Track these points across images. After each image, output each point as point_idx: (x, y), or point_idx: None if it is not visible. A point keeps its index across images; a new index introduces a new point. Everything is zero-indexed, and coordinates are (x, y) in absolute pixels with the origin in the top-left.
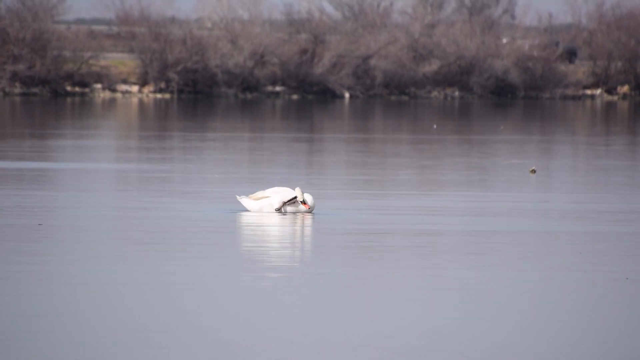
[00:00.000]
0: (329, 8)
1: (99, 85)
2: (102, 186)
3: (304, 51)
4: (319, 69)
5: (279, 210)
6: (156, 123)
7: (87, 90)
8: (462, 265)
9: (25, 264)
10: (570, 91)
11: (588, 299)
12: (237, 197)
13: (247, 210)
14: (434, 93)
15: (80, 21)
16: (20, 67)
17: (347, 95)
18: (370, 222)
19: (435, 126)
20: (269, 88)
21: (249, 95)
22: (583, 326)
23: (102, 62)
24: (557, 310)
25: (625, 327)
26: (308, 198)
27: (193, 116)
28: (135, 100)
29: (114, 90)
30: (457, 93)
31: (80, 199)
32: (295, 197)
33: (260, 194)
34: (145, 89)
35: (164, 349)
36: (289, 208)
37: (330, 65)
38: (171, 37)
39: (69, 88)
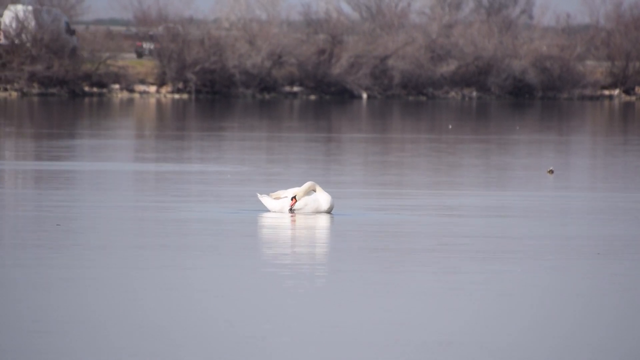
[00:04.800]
0: (346, 8)
1: (116, 86)
2: (121, 186)
3: (321, 51)
4: (336, 69)
5: (291, 210)
6: (174, 123)
7: (104, 90)
8: (480, 266)
9: (43, 266)
10: (588, 91)
11: (605, 301)
12: (259, 195)
13: (267, 210)
14: (452, 93)
15: (98, 22)
16: (38, 67)
17: (364, 95)
18: (388, 223)
19: (450, 126)
20: (287, 88)
21: (266, 96)
22: (600, 329)
23: (120, 63)
24: (571, 312)
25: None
26: (326, 198)
27: (211, 116)
28: (153, 100)
29: (131, 91)
30: (474, 93)
31: (99, 199)
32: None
33: (281, 193)
34: (163, 90)
35: (181, 350)
36: (307, 208)
37: (348, 66)
38: (189, 38)
39: (86, 88)
